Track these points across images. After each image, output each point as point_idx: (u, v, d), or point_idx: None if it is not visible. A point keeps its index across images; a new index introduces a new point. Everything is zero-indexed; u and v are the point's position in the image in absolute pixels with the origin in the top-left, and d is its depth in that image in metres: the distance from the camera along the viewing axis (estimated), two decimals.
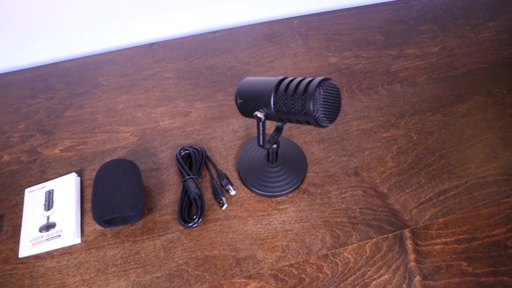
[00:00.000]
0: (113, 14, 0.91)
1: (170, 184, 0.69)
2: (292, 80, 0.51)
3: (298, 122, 0.52)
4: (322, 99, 0.48)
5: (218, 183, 0.68)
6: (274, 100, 0.52)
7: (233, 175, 0.70)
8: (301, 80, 0.50)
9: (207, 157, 0.71)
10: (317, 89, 0.48)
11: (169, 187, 0.69)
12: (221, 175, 0.68)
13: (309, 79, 0.50)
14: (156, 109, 0.81)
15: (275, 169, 0.67)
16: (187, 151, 0.70)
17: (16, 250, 0.64)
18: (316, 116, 0.49)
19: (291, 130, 0.76)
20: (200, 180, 0.68)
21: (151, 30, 0.97)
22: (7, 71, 0.91)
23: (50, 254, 0.63)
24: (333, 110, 0.50)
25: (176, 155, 0.69)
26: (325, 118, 0.49)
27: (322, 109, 0.49)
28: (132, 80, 0.87)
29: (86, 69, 0.90)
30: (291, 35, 0.94)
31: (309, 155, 0.72)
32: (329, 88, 0.49)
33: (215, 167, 0.71)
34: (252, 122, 0.77)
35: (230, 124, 0.77)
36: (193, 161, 0.69)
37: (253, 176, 0.67)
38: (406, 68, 0.86)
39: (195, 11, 0.96)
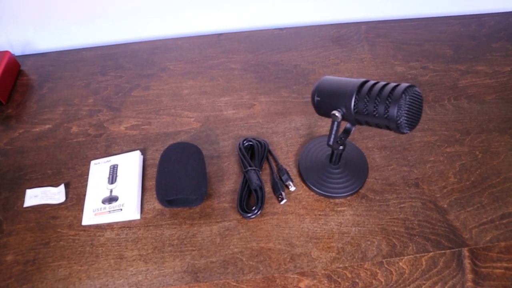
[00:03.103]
0: (184, 2, 0.93)
1: (230, 173, 0.71)
2: (375, 83, 0.51)
3: (377, 126, 0.52)
4: (407, 106, 0.48)
5: (278, 177, 0.68)
6: (355, 101, 0.52)
7: (292, 171, 0.71)
8: (385, 84, 0.50)
9: (269, 151, 0.72)
10: (403, 95, 0.48)
11: (229, 176, 0.70)
12: (282, 170, 0.69)
13: (394, 84, 0.50)
14: (221, 98, 0.82)
15: (336, 170, 0.67)
16: (250, 143, 0.71)
17: (79, 218, 0.66)
18: (399, 121, 0.48)
19: (353, 134, 0.75)
20: (260, 172, 0.69)
21: (220, 21, 0.98)
22: (81, 47, 0.95)
23: (110, 226, 0.66)
24: (414, 118, 0.50)
25: (239, 145, 0.70)
26: (406, 125, 0.49)
27: (406, 115, 0.48)
28: (199, 68, 0.89)
29: (155, 52, 0.93)
30: (358, 39, 0.94)
31: (370, 161, 0.72)
32: (414, 95, 0.49)
33: (276, 161, 0.71)
34: (315, 121, 0.77)
35: (293, 121, 0.78)
36: (255, 153, 0.70)
37: (313, 175, 0.68)
38: (475, 84, 0.84)
39: (264, 6, 0.97)
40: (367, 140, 0.75)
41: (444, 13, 1.01)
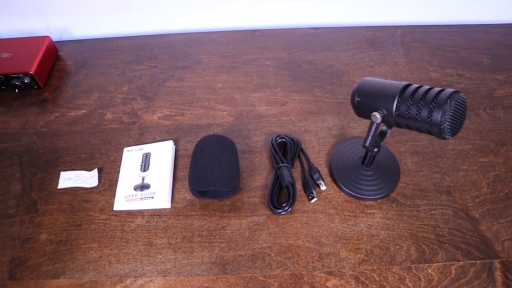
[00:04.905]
0: None
1: (262, 169, 0.71)
2: (419, 87, 0.51)
3: (418, 129, 0.52)
4: (451, 111, 0.48)
5: (310, 176, 0.68)
6: (397, 104, 0.52)
7: (323, 170, 0.70)
8: (429, 88, 0.50)
9: (301, 149, 0.72)
10: (448, 100, 0.47)
11: (260, 171, 0.71)
12: (314, 169, 0.69)
13: (438, 88, 0.49)
14: (254, 93, 0.83)
15: (368, 172, 0.67)
16: (283, 140, 0.71)
17: (111, 203, 0.68)
18: (442, 126, 0.48)
19: (385, 138, 0.75)
20: (292, 170, 0.69)
21: (255, 17, 0.99)
22: (116, 36, 0.96)
23: (141, 213, 0.67)
24: (457, 124, 0.49)
25: (272, 141, 0.71)
26: (449, 130, 0.49)
27: (449, 120, 0.48)
28: (232, 62, 0.89)
29: (189, 45, 0.93)
30: (394, 43, 0.93)
31: (401, 165, 0.71)
32: (459, 101, 0.48)
33: (308, 160, 0.71)
34: (348, 122, 0.77)
35: (326, 121, 0.78)
36: (288, 150, 0.70)
37: (345, 176, 0.67)
38: None
39: (299, 5, 0.97)
40: (400, 144, 0.74)
41: (483, 21, 0.99)
